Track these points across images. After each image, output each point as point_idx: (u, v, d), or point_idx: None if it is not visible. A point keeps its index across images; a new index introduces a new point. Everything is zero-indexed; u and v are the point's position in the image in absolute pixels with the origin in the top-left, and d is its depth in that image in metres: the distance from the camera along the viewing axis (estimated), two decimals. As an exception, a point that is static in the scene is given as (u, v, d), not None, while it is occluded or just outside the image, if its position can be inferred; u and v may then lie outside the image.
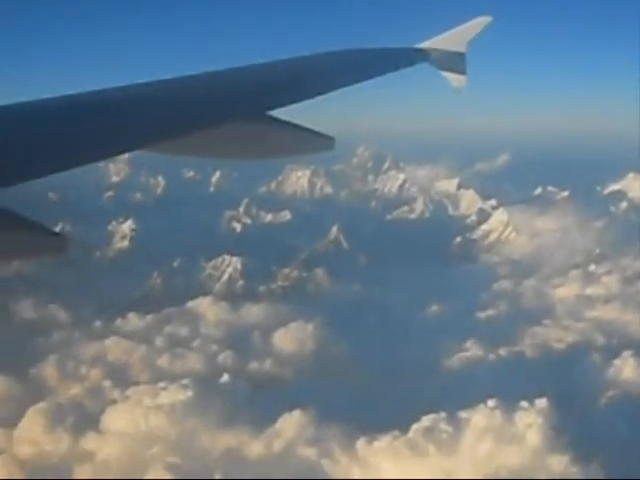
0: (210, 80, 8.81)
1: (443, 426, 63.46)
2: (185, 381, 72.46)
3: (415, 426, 63.42)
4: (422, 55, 12.56)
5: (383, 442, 62.48)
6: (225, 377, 74.76)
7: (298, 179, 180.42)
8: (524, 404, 65.29)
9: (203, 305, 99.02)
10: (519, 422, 63.97)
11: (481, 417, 64.46)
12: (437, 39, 12.99)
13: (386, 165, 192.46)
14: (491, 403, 65.30)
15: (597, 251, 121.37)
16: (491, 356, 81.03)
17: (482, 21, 13.06)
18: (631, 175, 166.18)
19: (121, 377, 78.16)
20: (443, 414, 64.47)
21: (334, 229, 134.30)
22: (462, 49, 12.97)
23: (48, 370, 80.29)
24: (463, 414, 64.69)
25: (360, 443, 62.91)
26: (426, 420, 63.92)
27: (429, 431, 62.95)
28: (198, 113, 7.52)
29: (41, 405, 70.53)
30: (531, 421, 63.63)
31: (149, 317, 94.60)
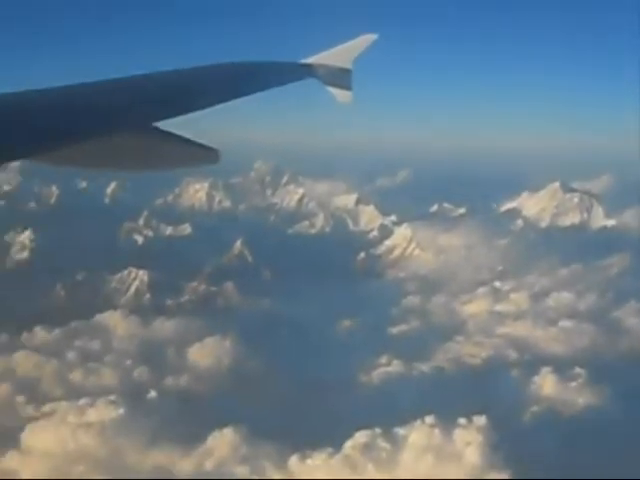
0: (95, 90, 8.48)
1: (380, 443, 62.98)
2: (111, 397, 70.37)
3: (349, 442, 62.86)
4: (309, 70, 12.70)
5: (317, 459, 61.75)
6: (152, 393, 72.97)
7: (196, 192, 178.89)
8: (462, 421, 65.43)
9: (112, 319, 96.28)
10: (457, 439, 64.02)
11: (418, 434, 64.23)
12: (323, 55, 13.13)
13: (284, 179, 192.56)
14: (428, 419, 65.20)
15: (500, 268, 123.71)
16: (414, 372, 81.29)
17: (367, 38, 13.48)
18: (525, 194, 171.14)
19: (34, 392, 75.40)
20: (378, 430, 64.05)
21: (238, 243, 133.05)
22: (348, 65, 13.18)
23: (-47, 385, 76.74)
24: (400, 430, 64.38)
25: (293, 460, 62.03)
26: (361, 436, 63.35)
27: (366, 448, 62.38)
28: (83, 124, 7.15)
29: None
30: (470, 439, 63.75)
31: (57, 331, 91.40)
